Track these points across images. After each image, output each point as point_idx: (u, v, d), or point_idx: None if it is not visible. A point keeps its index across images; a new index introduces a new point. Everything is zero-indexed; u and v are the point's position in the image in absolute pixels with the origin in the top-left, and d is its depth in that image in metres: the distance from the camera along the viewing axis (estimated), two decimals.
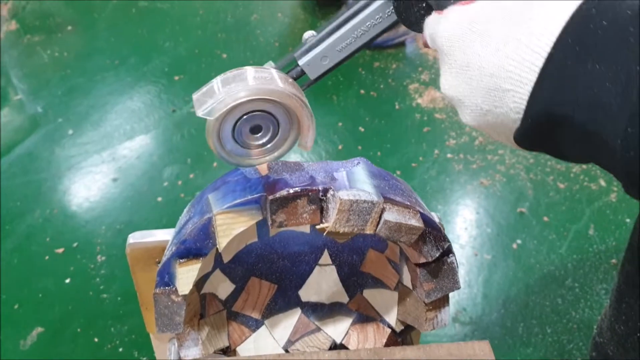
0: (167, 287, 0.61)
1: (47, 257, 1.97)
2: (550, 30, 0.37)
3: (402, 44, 3.03)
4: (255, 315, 0.74)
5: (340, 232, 0.57)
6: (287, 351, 0.74)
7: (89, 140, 2.44)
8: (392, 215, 0.58)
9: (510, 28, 0.40)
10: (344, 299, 0.76)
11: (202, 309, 0.70)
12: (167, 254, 0.60)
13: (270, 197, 0.56)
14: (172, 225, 0.77)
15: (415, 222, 0.59)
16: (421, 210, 0.60)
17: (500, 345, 1.82)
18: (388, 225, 0.58)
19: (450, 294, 1.79)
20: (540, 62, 0.38)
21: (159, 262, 0.73)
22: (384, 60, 2.92)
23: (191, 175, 2.28)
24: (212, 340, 0.70)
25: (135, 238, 0.71)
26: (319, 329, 0.75)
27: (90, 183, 2.26)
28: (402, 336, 0.74)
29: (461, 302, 1.91)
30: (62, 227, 2.08)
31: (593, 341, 1.02)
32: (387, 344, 0.73)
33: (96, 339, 1.78)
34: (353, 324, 0.75)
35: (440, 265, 0.64)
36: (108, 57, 2.87)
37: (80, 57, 2.88)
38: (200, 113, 0.56)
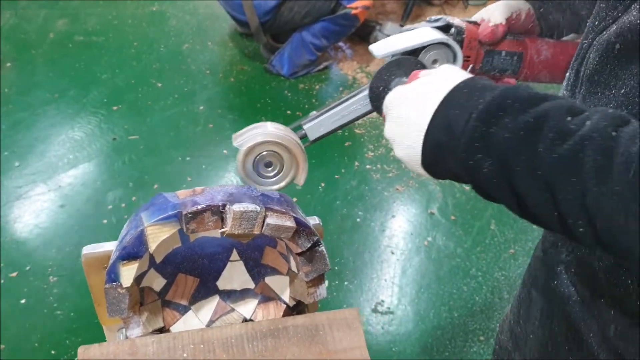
0: (114, 283, 0.85)
1: (2, 281, 2.14)
2: (437, 100, 0.67)
3: (326, 68, 3.31)
4: (184, 302, 0.98)
5: (236, 233, 0.82)
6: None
7: (35, 171, 2.61)
8: (272, 219, 0.83)
9: (420, 98, 0.70)
10: (251, 285, 1.00)
11: (141, 298, 0.93)
12: (113, 258, 0.84)
13: (184, 212, 0.80)
14: None
15: (290, 223, 0.85)
16: (294, 215, 0.86)
17: (414, 330, 2.09)
18: (270, 226, 0.83)
19: (369, 290, 2.15)
20: (429, 116, 0.67)
21: (106, 268, 0.96)
22: (308, 82, 3.20)
23: (134, 198, 2.48)
24: (151, 322, 0.93)
25: (88, 249, 0.94)
26: (233, 310, 1.00)
27: (39, 211, 2.43)
28: (296, 310, 0.99)
29: (379, 295, 2.18)
30: (14, 253, 2.25)
31: (497, 337, 1.28)
32: (283, 316, 0.98)
33: (53, 352, 1.96)
34: (259, 304, 1.00)
35: (313, 253, 0.90)
36: (48, 91, 3.05)
37: (21, 92, 3.04)
38: (235, 144, 0.84)
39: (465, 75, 0.70)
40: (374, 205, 2.55)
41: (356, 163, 2.73)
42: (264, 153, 0.85)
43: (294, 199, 2.52)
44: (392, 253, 2.34)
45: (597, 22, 0.75)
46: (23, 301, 2.09)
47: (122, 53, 3.34)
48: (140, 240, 0.82)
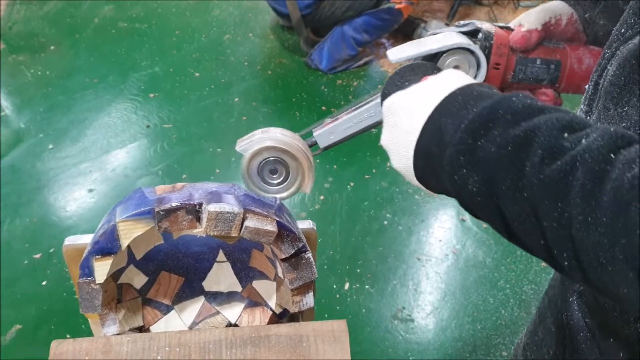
0: (88, 278, 0.81)
1: (26, 262, 2.16)
2: (431, 107, 0.61)
3: (366, 64, 3.24)
4: (166, 301, 0.94)
5: (211, 235, 0.77)
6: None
7: (67, 154, 2.63)
8: (251, 222, 0.78)
9: (416, 105, 0.64)
10: (238, 288, 0.96)
11: (119, 295, 0.90)
12: (86, 251, 0.80)
13: (157, 209, 0.76)
14: None
15: (271, 227, 0.79)
16: (277, 219, 0.80)
17: (433, 340, 2.01)
18: (248, 229, 0.78)
19: (391, 295, 2.07)
20: (422, 124, 0.62)
21: None
22: (347, 78, 3.13)
23: None
24: (128, 320, 0.90)
25: (70, 241, 0.91)
26: (218, 313, 0.95)
27: (67, 194, 2.45)
28: (283, 317, 0.94)
29: (401, 301, 2.11)
30: (40, 234, 2.27)
31: None
32: (269, 323, 0.92)
33: (68, 336, 1.95)
34: (245, 308, 0.95)
35: (299, 260, 0.84)
36: (88, 76, 3.07)
37: (61, 76, 3.08)
38: (238, 149, 0.79)
39: (466, 81, 0.63)
40: (403, 208, 2.47)
41: (388, 163, 2.65)
42: (270, 159, 0.79)
43: (321, 197, 2.48)
44: (418, 259, 2.26)
45: (623, 30, 0.66)
46: (44, 283, 2.10)
47: (163, 41, 3.34)
48: (113, 235, 0.78)
